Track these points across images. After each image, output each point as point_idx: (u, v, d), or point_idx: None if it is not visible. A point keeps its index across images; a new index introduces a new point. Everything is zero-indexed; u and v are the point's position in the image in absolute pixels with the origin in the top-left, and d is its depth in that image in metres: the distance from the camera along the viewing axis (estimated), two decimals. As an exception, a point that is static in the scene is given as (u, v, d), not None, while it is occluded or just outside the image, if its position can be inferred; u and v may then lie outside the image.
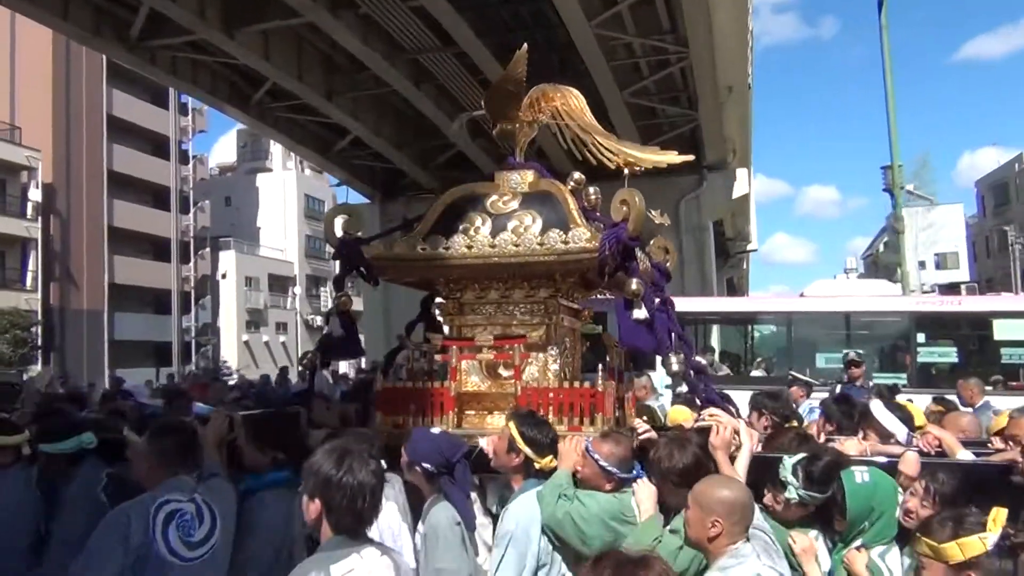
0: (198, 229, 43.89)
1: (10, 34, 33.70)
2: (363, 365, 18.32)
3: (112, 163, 37.59)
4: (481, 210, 4.37)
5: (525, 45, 4.59)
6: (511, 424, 3.62)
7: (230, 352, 43.57)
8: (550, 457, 3.57)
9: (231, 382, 19.59)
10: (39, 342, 30.67)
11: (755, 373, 13.22)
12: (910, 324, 12.57)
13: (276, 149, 53.36)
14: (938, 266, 55.42)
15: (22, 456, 4.11)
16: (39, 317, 31.70)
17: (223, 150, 56.82)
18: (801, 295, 13.73)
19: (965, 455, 3.94)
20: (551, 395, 4.11)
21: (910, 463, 3.55)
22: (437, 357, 4.58)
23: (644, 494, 3.37)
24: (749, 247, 45.33)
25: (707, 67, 17.59)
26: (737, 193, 24.58)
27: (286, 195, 51.84)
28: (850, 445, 4.09)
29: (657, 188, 23.23)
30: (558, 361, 4.31)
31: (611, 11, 15.36)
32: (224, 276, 45.03)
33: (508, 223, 4.23)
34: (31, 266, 33.31)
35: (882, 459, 3.81)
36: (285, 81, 17.79)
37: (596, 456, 3.43)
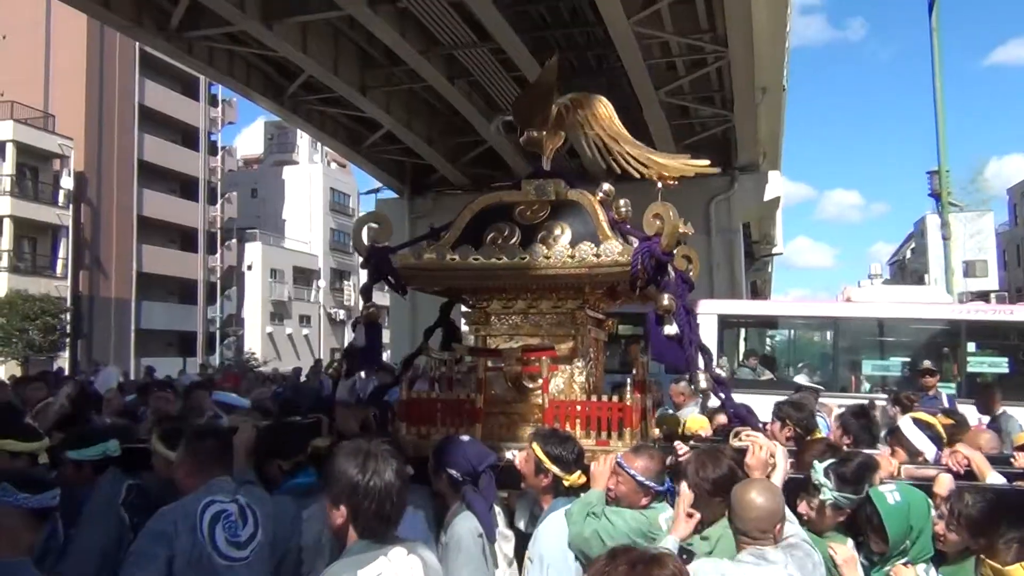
0: (225, 220, 44.16)
1: (45, 23, 34.10)
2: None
3: (142, 153, 37.93)
4: (510, 220, 4.33)
5: (556, 56, 4.58)
6: (535, 445, 3.59)
7: (254, 344, 43.81)
8: (578, 473, 3.55)
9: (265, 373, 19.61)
10: (67, 329, 30.95)
11: (798, 378, 13.06)
12: (961, 333, 12.33)
13: (303, 142, 53.62)
14: (966, 273, 54.78)
15: (38, 464, 3.99)
16: (68, 304, 32.02)
17: (246, 142, 57.22)
18: (848, 300, 13.51)
19: (995, 476, 3.87)
20: (579, 408, 4.07)
21: (944, 484, 3.50)
22: (462, 366, 4.58)
23: (682, 506, 3.32)
24: (775, 250, 44.99)
25: (745, 67, 17.41)
26: (769, 196, 24.33)
27: (312, 188, 52.05)
28: (882, 463, 3.99)
29: (688, 189, 23.04)
30: (584, 373, 4.29)
31: (650, 9, 15.21)
32: (250, 268, 45.30)
33: (538, 234, 4.19)
34: (61, 253, 33.68)
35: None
36: (321, 74, 17.82)
37: (632, 472, 3.41)
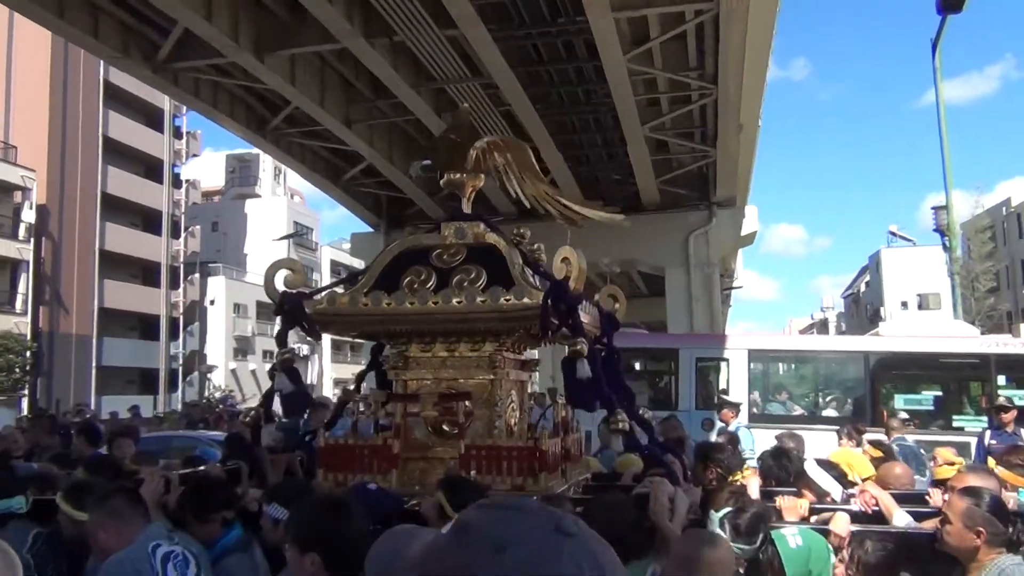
0: (188, 254, 43.29)
1: (7, 52, 33.38)
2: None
3: (106, 185, 37.05)
4: (426, 263, 4.35)
5: (467, 105, 4.77)
6: (439, 492, 3.57)
7: (217, 380, 42.83)
8: None
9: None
10: (28, 367, 29.89)
11: (827, 413, 13.03)
12: (990, 366, 12.36)
13: (265, 175, 53.03)
14: (920, 306, 56.00)
15: None
16: (27, 341, 30.95)
17: (195, 173, 56.14)
18: (877, 334, 13.60)
19: (901, 516, 3.92)
20: (493, 453, 4.07)
21: (840, 523, 3.56)
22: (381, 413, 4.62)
23: None
24: (735, 284, 45.62)
25: (733, 104, 17.68)
26: (746, 230, 24.65)
27: (275, 222, 51.35)
28: (788, 505, 4.13)
29: (667, 223, 23.43)
30: (503, 416, 4.31)
31: (644, 47, 15.41)
32: (212, 303, 44.37)
33: (453, 277, 4.21)
34: (21, 288, 32.58)
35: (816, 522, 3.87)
36: (308, 107, 17.62)
37: None
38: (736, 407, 9.81)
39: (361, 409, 4.68)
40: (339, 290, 4.61)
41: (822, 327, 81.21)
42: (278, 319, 4.80)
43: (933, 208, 20.95)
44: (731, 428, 8.88)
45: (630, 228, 23.08)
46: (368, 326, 4.47)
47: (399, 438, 4.23)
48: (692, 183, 23.80)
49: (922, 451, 8.67)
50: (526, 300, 3.95)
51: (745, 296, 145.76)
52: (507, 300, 3.97)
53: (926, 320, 44.97)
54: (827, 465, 4.65)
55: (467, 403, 4.18)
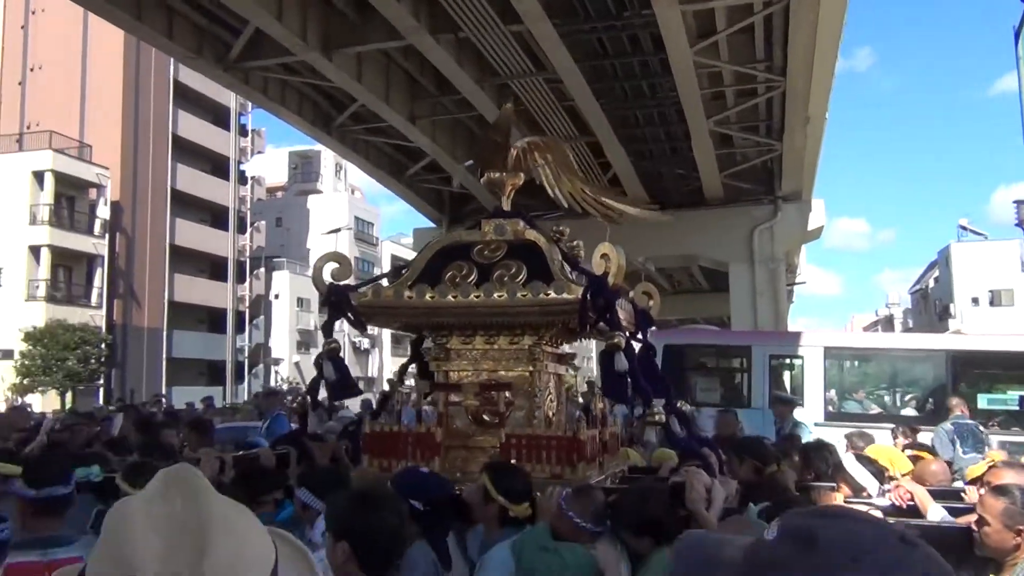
0: (254, 249, 44.28)
1: (82, 54, 34.50)
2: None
3: (175, 182, 38.17)
4: (467, 259, 4.43)
5: (509, 105, 5.00)
6: (484, 475, 3.67)
7: (282, 373, 43.75)
8: (525, 504, 3.61)
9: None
10: (103, 359, 30.95)
11: (905, 412, 12.72)
12: None
13: (327, 172, 53.82)
14: (992, 302, 54.24)
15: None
16: (103, 333, 32.06)
17: (259, 169, 57.24)
18: (958, 331, 13.25)
19: (936, 510, 3.89)
20: (533, 442, 4.17)
21: None
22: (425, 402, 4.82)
23: (606, 557, 3.34)
24: (798, 280, 44.74)
25: (802, 96, 17.38)
26: (812, 225, 24.18)
27: (336, 217, 52.16)
28: (826, 499, 4.13)
29: (732, 217, 23.11)
30: (542, 407, 4.42)
31: (710, 39, 15.24)
32: (277, 297, 45.30)
33: (494, 272, 4.29)
34: (96, 282, 33.75)
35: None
36: (374, 104, 17.85)
37: (570, 512, 3.43)
38: (789, 403, 9.75)
39: (405, 398, 4.90)
40: (384, 283, 4.78)
41: (887, 324, 79.12)
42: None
43: (1015, 202, 20.28)
44: (786, 425, 8.85)
45: (688, 223, 22.76)
46: (412, 318, 4.62)
47: (442, 427, 4.40)
48: (757, 177, 23.43)
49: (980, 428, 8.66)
50: (566, 295, 4.07)
51: (806, 291, 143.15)
52: (547, 295, 4.08)
53: (1001, 317, 43.52)
54: (866, 460, 4.62)
55: (508, 393, 4.32)
